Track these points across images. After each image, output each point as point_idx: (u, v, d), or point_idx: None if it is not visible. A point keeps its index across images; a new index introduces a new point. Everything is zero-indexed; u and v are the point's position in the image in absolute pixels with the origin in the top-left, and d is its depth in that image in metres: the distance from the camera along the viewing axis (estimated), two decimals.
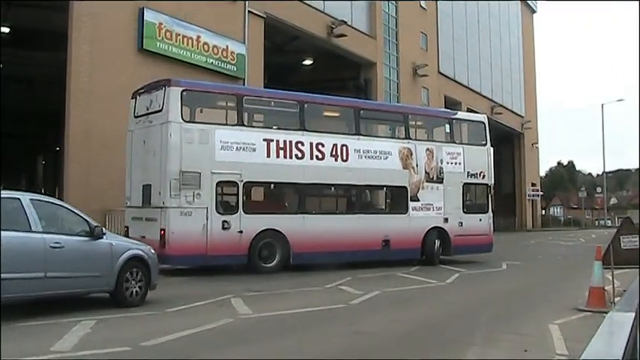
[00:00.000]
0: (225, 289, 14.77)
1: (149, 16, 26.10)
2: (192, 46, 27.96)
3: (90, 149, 23.52)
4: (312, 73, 43.73)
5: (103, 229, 12.36)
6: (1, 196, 10.90)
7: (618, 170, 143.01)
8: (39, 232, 10.80)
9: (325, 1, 37.00)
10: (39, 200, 11.68)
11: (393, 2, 45.12)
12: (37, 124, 49.33)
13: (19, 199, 11.03)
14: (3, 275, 9.93)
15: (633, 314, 3.69)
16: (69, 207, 12.14)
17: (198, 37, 28.26)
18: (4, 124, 42.19)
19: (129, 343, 9.04)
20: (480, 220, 24.10)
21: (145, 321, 11.07)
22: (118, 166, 21.73)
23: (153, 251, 13.31)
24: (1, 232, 10.09)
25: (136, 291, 12.44)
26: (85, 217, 12.02)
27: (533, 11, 75.89)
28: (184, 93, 18.44)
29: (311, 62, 43.29)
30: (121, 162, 21.04)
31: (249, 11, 30.97)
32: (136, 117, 19.60)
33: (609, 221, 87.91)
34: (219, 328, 10.45)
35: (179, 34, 27.38)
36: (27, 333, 9.62)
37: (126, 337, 9.46)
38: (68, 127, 23.85)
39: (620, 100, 75.93)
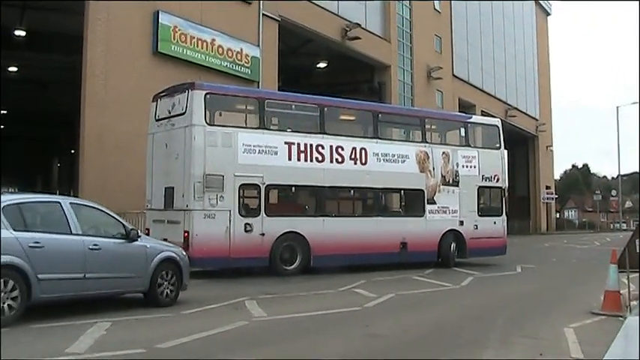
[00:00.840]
0: (240, 292, 14.79)
1: (164, 19, 26.19)
2: (207, 49, 28.04)
3: (104, 151, 23.63)
4: (326, 75, 43.76)
5: (139, 231, 12.60)
6: (42, 199, 11.71)
7: (633, 173, 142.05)
8: (78, 235, 11.11)
9: (340, 3, 37.01)
10: (78, 204, 12.06)
11: (407, 5, 45.10)
12: (52, 127, 49.65)
13: (59, 202, 11.45)
14: (45, 276, 10.33)
15: None
16: (106, 210, 12.35)
17: (213, 40, 28.33)
18: (20, 126, 42.56)
19: (144, 345, 9.06)
20: (495, 222, 24.19)
21: (160, 323, 11.08)
22: (133, 168, 21.88)
23: (184, 253, 13.70)
24: (43, 234, 10.58)
25: (169, 291, 12.75)
26: (120, 220, 12.39)
27: (548, 14, 75.69)
28: (208, 96, 18.51)
29: (325, 65, 43.31)
30: (136, 164, 21.15)
31: (263, 14, 31.05)
32: (157, 120, 19.67)
33: (624, 224, 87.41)
34: (233, 330, 10.46)
35: (194, 37, 27.45)
36: (42, 334, 9.66)
37: (141, 339, 9.48)
38: (83, 130, 23.96)
39: (635, 102, 75.10)
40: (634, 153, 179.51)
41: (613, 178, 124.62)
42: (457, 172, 23.30)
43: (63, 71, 32.77)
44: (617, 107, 75.51)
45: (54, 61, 34.25)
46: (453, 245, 22.97)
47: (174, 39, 26.62)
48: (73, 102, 25.37)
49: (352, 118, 23.48)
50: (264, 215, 18.92)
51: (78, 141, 25.40)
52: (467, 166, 23.59)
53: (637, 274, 14.35)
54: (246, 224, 18.54)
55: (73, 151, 43.02)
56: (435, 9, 48.98)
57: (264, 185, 19.01)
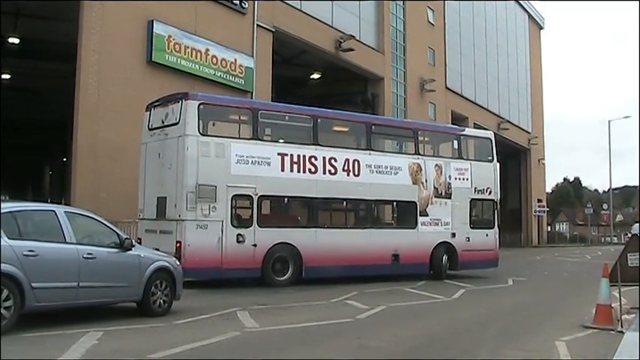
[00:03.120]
0: (232, 302, 14.78)
1: (158, 28, 26.15)
2: (201, 59, 28.00)
3: (97, 160, 23.57)
4: (319, 87, 43.80)
5: (133, 240, 12.61)
6: (37, 208, 11.69)
7: (624, 187, 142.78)
8: (73, 244, 11.11)
9: (334, 15, 37.09)
10: (72, 212, 12.00)
11: (401, 17, 45.20)
12: (44, 135, 49.54)
13: (54, 211, 11.43)
14: (39, 284, 10.33)
15: None
16: (100, 219, 12.35)
17: (207, 50, 28.31)
18: (12, 134, 42.44)
19: (136, 355, 9.06)
20: (487, 235, 24.25)
21: (152, 333, 11.06)
22: (125, 177, 21.86)
23: (178, 263, 13.76)
24: (37, 243, 10.57)
25: (162, 301, 12.78)
26: (115, 229, 12.39)
27: (541, 27, 75.90)
28: (201, 106, 18.54)
29: (319, 76, 43.33)
30: (128, 174, 21.14)
31: (257, 25, 31.05)
32: (150, 129, 19.65)
33: (615, 238, 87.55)
34: (225, 341, 10.44)
35: (188, 47, 27.40)
36: (35, 343, 9.62)
37: (133, 349, 9.47)
38: (76, 138, 23.88)
39: (627, 116, 75.68)
40: (626, 167, 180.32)
41: (604, 191, 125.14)
42: (450, 184, 23.37)
43: (56, 79, 32.71)
44: (609, 121, 75.64)
45: (47, 69, 34.20)
46: (444, 257, 23.02)
47: (168, 48, 26.57)
48: (66, 110, 25.34)
49: (345, 129, 23.52)
50: (257, 226, 18.91)
51: (70, 149, 25.34)
52: (459, 179, 23.66)
53: (631, 288, 14.38)
54: (238, 235, 18.53)
55: (65, 159, 42.90)
56: (428, 21, 49.09)
57: (257, 196, 19.01)
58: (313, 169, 20.26)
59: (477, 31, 58.85)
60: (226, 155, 18.60)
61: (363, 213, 22.57)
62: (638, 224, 49.05)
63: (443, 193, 23.21)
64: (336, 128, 22.98)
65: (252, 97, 29.69)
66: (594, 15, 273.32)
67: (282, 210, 21.71)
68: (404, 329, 12.51)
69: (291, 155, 19.89)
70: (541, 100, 75.24)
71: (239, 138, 19.68)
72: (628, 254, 13.34)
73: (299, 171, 19.99)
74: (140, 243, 17.60)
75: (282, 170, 19.66)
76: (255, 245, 18.75)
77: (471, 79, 56.70)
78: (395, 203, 23.12)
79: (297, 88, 42.01)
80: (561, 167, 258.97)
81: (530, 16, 71.92)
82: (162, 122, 19.14)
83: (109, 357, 8.90)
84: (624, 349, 3.18)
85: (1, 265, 9.76)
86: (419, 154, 23.13)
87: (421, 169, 22.68)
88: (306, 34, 34.54)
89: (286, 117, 21.21)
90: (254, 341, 10.76)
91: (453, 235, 23.26)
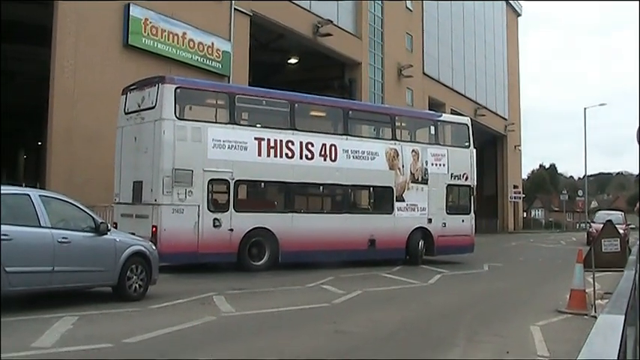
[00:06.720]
0: (208, 287, 14.75)
1: (135, 11, 25.94)
2: (178, 43, 27.82)
3: (73, 144, 23.40)
4: (297, 72, 43.66)
5: (108, 225, 12.55)
6: (11, 192, 11.36)
7: (599, 174, 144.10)
8: (47, 228, 11.02)
9: (311, 0, 36.97)
10: (47, 196, 11.91)
11: (379, 3, 45.16)
12: (19, 119, 49.00)
13: (28, 194, 11.33)
14: (13, 269, 10.25)
15: (623, 317, 3.75)
16: (75, 203, 12.26)
17: (184, 33, 28.13)
18: None
19: (111, 339, 9.00)
20: (463, 221, 24.32)
21: (128, 317, 11.03)
22: (101, 161, 21.71)
23: (154, 247, 13.71)
24: (11, 227, 10.40)
25: (138, 286, 12.72)
26: (90, 213, 12.30)
27: (518, 14, 76.16)
28: (178, 90, 18.41)
29: (296, 61, 43.19)
30: (104, 158, 21.01)
31: (235, 9, 30.90)
32: (126, 113, 19.50)
33: (589, 224, 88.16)
34: (201, 325, 10.43)
35: (165, 31, 27.22)
36: (8, 328, 9.50)
37: (108, 334, 9.42)
38: (51, 123, 23.68)
39: (603, 104, 75.81)
40: (601, 154, 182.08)
41: (579, 178, 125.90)
42: (426, 170, 23.40)
43: (31, 63, 32.37)
44: (585, 109, 75.86)
45: (22, 52, 33.82)
46: (421, 243, 23.07)
47: (145, 32, 26.38)
48: (42, 94, 25.07)
49: (322, 114, 23.49)
50: (233, 211, 18.87)
51: (45, 133, 25.12)
52: (436, 164, 23.69)
53: (605, 274, 14.53)
54: (214, 219, 18.48)
55: (40, 143, 42.48)
56: (406, 7, 49.04)
57: (234, 181, 18.95)
58: (290, 154, 20.21)
59: (455, 18, 58.98)
60: (203, 139, 18.51)
61: (339, 198, 22.60)
62: (601, 212, 49.77)
63: (419, 179, 23.24)
64: (313, 113, 22.94)
65: (229, 82, 29.57)
66: (574, 3, 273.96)
67: (259, 195, 21.66)
68: (379, 314, 12.55)
69: (268, 140, 19.82)
70: (518, 87, 75.60)
71: (216, 122, 19.56)
72: (602, 240, 13.47)
73: (276, 156, 19.93)
74: (116, 227, 17.53)
75: (259, 155, 19.59)
76: (231, 230, 18.71)
77: (448, 66, 56.85)
78: (371, 188, 23.06)
79: (275, 73, 41.84)
80: (537, 154, 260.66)
81: (507, 2, 72.09)
82: (139, 106, 19.00)
83: (84, 342, 8.84)
84: (597, 331, 3.19)
85: None
86: (396, 139, 23.12)
87: (398, 155, 22.69)
88: (283, 19, 34.42)
89: (263, 102, 21.13)
90: (230, 326, 10.76)
91: (430, 220, 23.31)
